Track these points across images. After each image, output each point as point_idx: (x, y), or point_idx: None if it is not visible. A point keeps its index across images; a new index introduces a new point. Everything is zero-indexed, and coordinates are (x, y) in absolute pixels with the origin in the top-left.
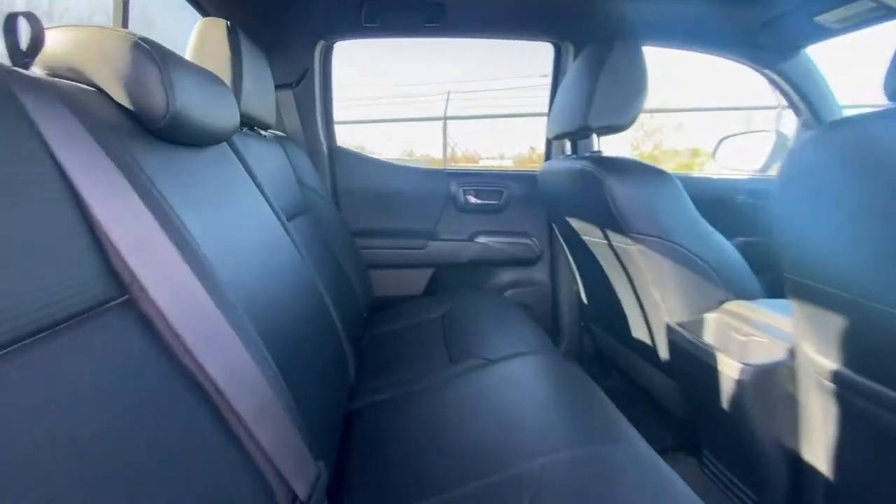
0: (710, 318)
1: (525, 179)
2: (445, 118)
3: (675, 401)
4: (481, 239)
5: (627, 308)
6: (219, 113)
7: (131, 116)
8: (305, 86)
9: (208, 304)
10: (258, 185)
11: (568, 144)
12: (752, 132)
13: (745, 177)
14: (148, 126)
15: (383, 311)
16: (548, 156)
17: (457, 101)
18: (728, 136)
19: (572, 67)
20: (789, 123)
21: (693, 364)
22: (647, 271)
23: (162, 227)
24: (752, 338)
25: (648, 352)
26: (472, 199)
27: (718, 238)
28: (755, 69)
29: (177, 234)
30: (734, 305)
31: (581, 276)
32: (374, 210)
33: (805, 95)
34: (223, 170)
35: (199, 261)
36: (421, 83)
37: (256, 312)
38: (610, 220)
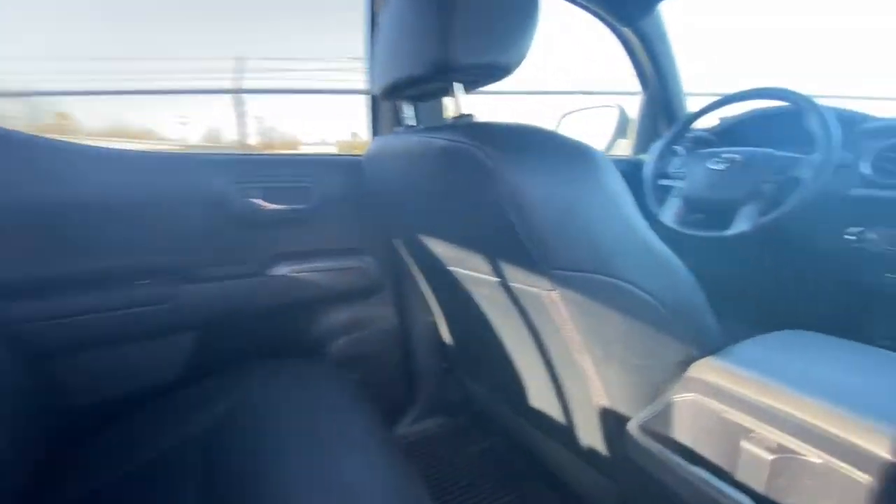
0: (682, 403)
1: (344, 167)
2: (238, 92)
3: (608, 501)
4: (282, 269)
5: (526, 372)
6: None
7: None
8: None
9: None
10: None
11: (411, 111)
12: (595, 107)
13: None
14: None
15: (81, 443)
16: (375, 129)
17: (261, 76)
18: (570, 112)
19: None
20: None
21: (661, 488)
22: (574, 328)
23: None
24: (792, 457)
25: (560, 433)
26: (261, 204)
27: (673, 262)
28: (613, 26)
29: None
30: (708, 370)
31: (442, 309)
32: (41, 240)
33: (658, 62)
34: None
35: None
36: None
37: None
38: (507, 244)
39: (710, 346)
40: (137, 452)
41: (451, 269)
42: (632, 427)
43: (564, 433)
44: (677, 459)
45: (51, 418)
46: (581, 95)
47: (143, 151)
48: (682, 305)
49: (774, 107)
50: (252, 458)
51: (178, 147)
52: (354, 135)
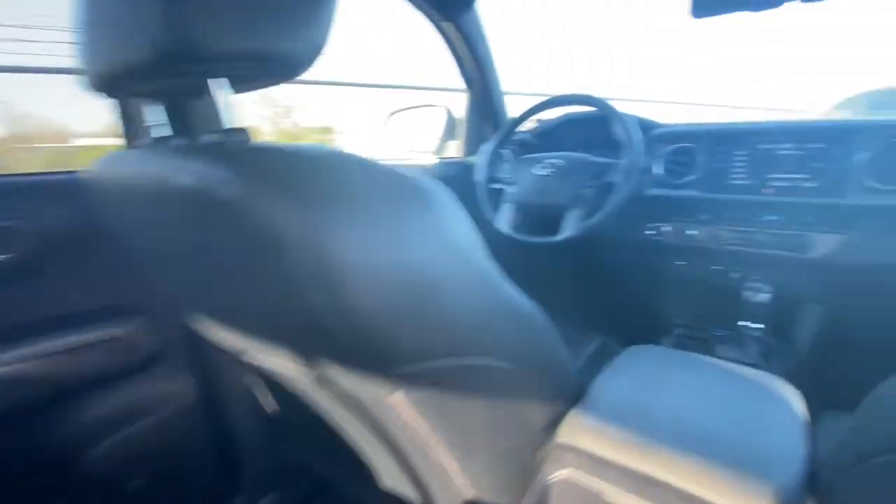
0: (559, 482)
1: (69, 190)
2: None
3: None
4: None
5: (376, 466)
6: None
7: None
8: None
9: None
10: None
11: (159, 116)
12: (422, 107)
13: (424, 159)
14: None
15: None
16: (130, 138)
17: None
18: (396, 111)
19: None
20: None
21: None
22: (429, 430)
23: None
24: None
25: None
26: None
27: (526, 308)
28: (433, 18)
29: None
30: (578, 433)
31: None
32: None
33: (479, 60)
34: None
35: None
36: None
37: None
38: (319, 338)
39: (573, 393)
40: None
41: (247, 361)
42: None
43: None
44: None
45: None
46: (410, 90)
47: None
48: (542, 360)
49: (587, 111)
50: None
51: None
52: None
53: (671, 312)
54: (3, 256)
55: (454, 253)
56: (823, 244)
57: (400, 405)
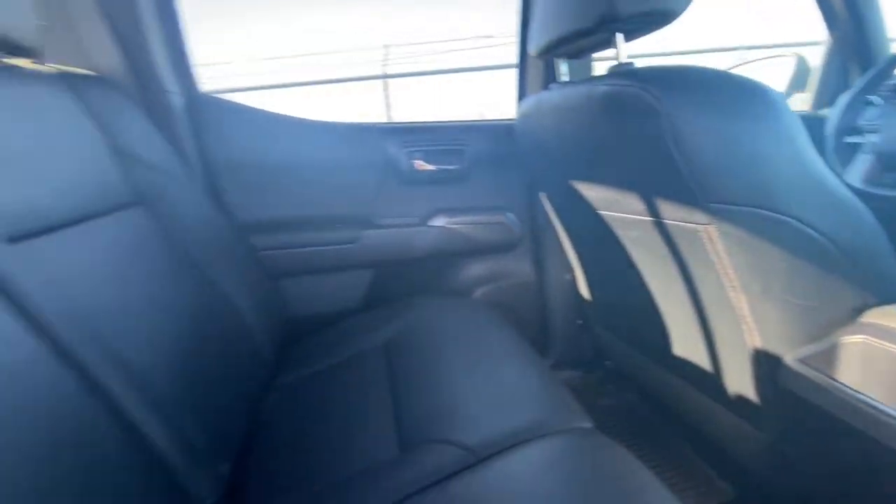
0: (850, 344)
1: (494, 132)
2: (386, 76)
3: (755, 454)
4: (438, 221)
5: (670, 317)
6: None
7: None
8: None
9: None
10: None
11: (565, 67)
12: (769, 57)
13: None
14: None
15: (301, 341)
16: (522, 93)
17: (399, 60)
18: (740, 64)
19: None
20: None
21: (822, 422)
22: (730, 264)
23: None
24: None
25: (705, 381)
26: (422, 165)
27: (852, 202)
28: None
29: None
30: (886, 316)
31: (581, 262)
32: (274, 191)
33: None
34: None
35: None
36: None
37: None
38: (666, 180)
39: (891, 295)
40: (335, 353)
41: (603, 213)
42: (790, 361)
43: (709, 380)
44: (848, 388)
45: (281, 322)
46: (744, 51)
47: (335, 122)
48: (859, 249)
49: None
50: (424, 365)
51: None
52: (481, 115)
53: None
54: (455, 166)
55: (775, 134)
56: None
57: (713, 236)
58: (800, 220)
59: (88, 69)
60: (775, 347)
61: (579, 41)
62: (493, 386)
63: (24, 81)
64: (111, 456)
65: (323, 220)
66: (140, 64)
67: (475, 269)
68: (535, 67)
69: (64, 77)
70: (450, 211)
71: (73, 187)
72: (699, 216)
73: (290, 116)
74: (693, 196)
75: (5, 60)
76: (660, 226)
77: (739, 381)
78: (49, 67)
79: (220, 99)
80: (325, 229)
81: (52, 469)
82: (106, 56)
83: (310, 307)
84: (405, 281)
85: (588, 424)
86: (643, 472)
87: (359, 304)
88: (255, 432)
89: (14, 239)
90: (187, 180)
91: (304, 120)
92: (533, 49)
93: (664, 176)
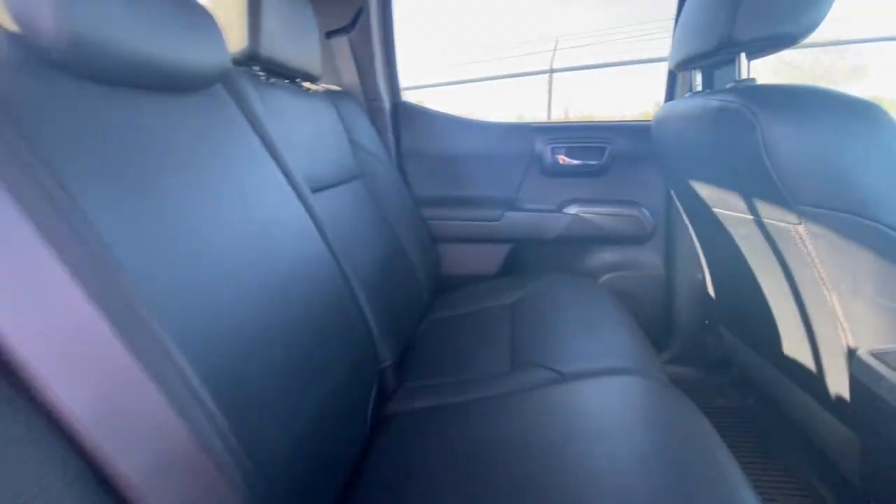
0: None
1: (635, 132)
2: (551, 71)
3: (851, 460)
4: (572, 209)
5: (779, 315)
6: (178, 43)
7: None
8: (362, 30)
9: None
10: (269, 147)
11: (699, 78)
12: None
13: None
14: (43, 57)
15: (449, 293)
16: (669, 97)
17: (569, 52)
18: None
19: None
20: None
21: None
22: (821, 265)
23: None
24: None
25: (811, 382)
26: (564, 160)
27: None
28: None
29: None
30: None
31: (708, 261)
32: (443, 175)
33: None
34: (204, 127)
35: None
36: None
37: (249, 303)
38: (761, 184)
39: None
40: (471, 305)
41: (715, 210)
42: (862, 353)
43: (813, 381)
44: None
45: (436, 276)
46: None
47: (494, 122)
48: None
49: None
50: (540, 319)
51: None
52: (658, 106)
53: None
54: (595, 162)
55: (874, 147)
56: None
57: (802, 236)
58: (891, 228)
59: (338, 85)
60: (867, 344)
61: (706, 59)
62: (592, 341)
63: (309, 98)
64: (347, 311)
65: (477, 200)
66: (367, 81)
67: (604, 256)
68: (683, 75)
69: (328, 94)
70: (584, 201)
71: (335, 163)
72: (788, 216)
73: (461, 118)
74: (784, 198)
75: (302, 83)
76: (759, 224)
77: (838, 381)
78: (320, 87)
79: (413, 104)
80: (478, 207)
81: (318, 311)
82: (348, 75)
83: (459, 268)
84: (538, 258)
85: (663, 377)
86: (698, 419)
87: (497, 271)
88: (413, 343)
89: (315, 190)
90: (388, 163)
91: (472, 120)
92: (672, 63)
93: (761, 180)
